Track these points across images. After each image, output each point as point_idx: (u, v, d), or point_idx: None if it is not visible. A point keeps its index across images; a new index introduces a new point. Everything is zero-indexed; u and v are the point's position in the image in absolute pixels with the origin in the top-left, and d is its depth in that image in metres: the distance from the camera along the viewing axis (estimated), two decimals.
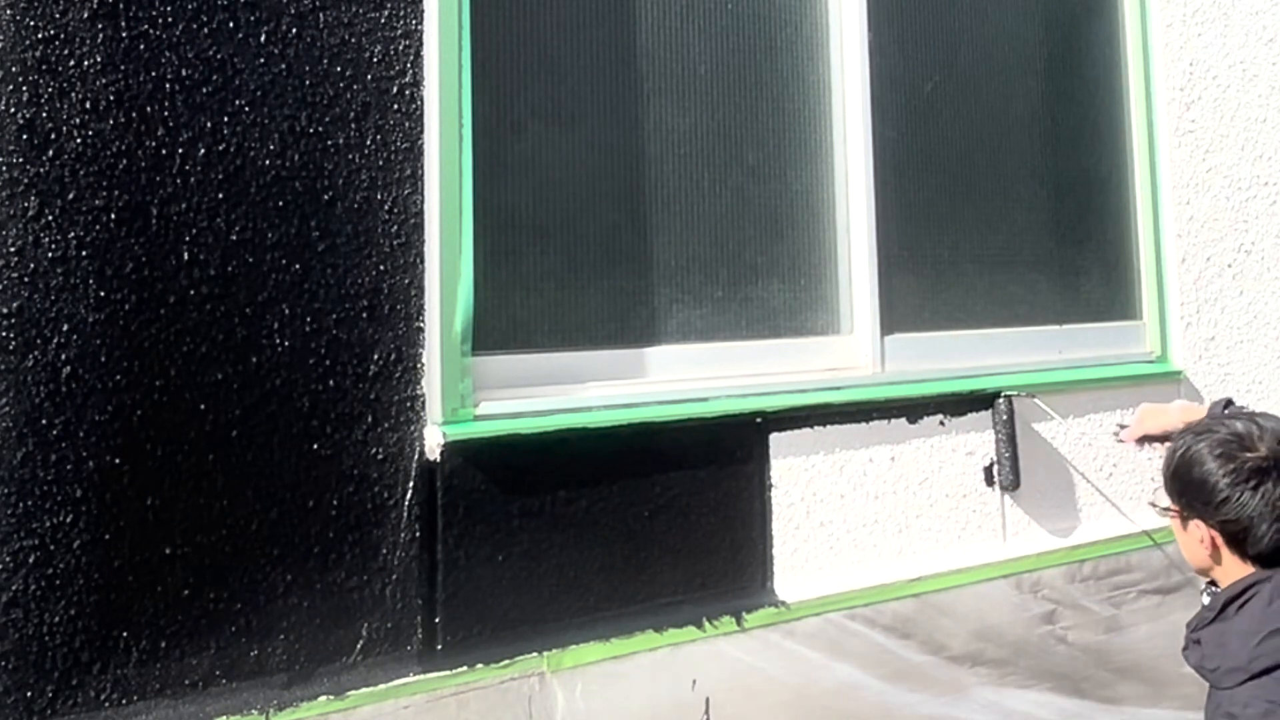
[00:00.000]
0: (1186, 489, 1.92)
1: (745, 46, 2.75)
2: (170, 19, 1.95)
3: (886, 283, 2.86)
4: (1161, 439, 2.52)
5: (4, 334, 1.79)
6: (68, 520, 1.82)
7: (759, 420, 2.53)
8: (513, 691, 2.17)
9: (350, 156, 2.11)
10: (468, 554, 2.16)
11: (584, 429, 2.29)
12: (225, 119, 1.99)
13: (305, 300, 2.05)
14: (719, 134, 2.69)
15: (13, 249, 1.80)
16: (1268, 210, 3.62)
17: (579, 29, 2.51)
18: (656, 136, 2.60)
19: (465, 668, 2.14)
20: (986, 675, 2.80)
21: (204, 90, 1.97)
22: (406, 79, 2.18)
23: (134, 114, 1.91)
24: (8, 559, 1.78)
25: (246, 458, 1.97)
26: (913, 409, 2.79)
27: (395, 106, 2.16)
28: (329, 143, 2.09)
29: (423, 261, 2.17)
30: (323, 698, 2.00)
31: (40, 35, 1.84)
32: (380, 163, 2.14)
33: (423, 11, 2.20)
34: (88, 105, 1.87)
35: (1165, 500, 1.99)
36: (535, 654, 2.21)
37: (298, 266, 2.04)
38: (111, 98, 1.89)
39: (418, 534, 2.12)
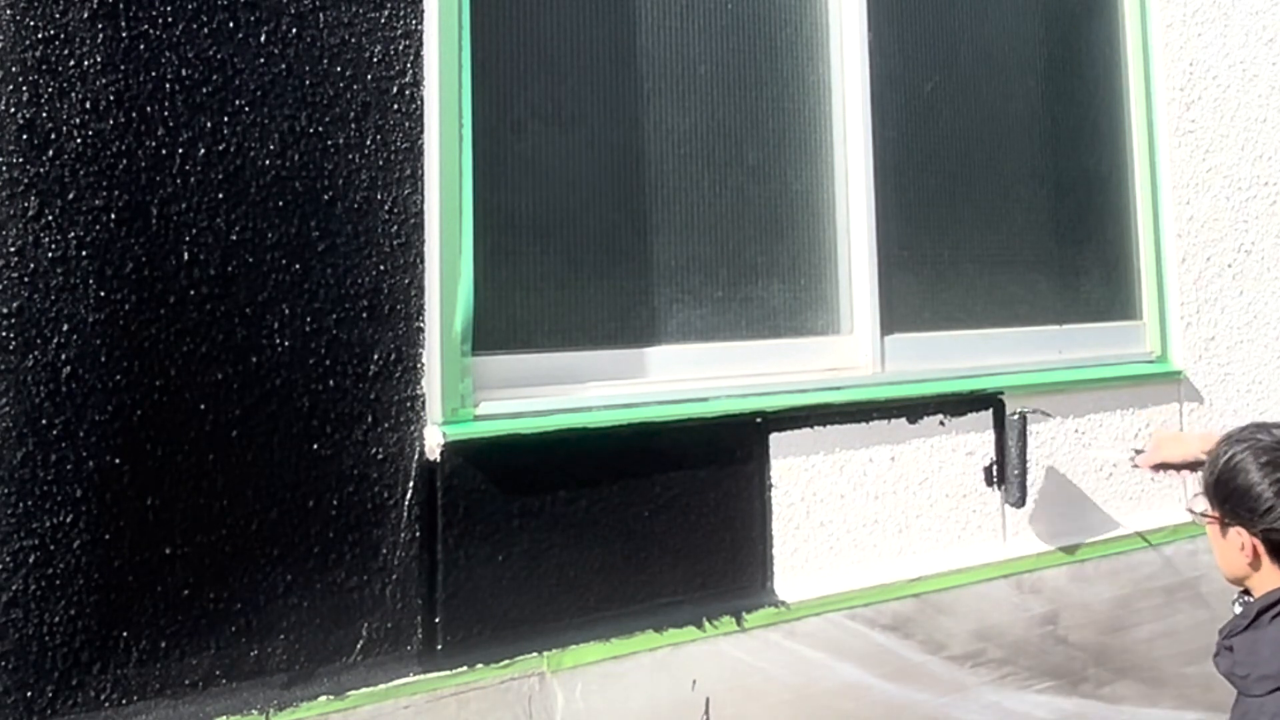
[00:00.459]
0: (1230, 496, 1.92)
1: (745, 46, 2.75)
2: (170, 19, 1.95)
3: (886, 283, 2.86)
4: (1179, 467, 2.54)
5: (4, 334, 1.79)
6: (68, 520, 1.82)
7: (759, 420, 2.53)
8: (513, 691, 2.17)
9: (350, 156, 2.11)
10: (468, 554, 2.16)
11: (584, 429, 2.29)
12: (225, 119, 1.99)
13: (305, 300, 2.05)
14: (719, 134, 2.69)
15: (13, 249, 1.80)
16: (1268, 210, 3.62)
17: (579, 29, 2.51)
18: (656, 136, 2.60)
19: (465, 668, 2.14)
20: (987, 675, 2.80)
21: (204, 90, 1.97)
22: (406, 79, 2.18)
23: (134, 114, 1.91)
24: (8, 559, 1.78)
25: (246, 458, 1.97)
26: (913, 409, 2.79)
27: (395, 106, 2.16)
28: (329, 143, 2.09)
29: (423, 261, 2.17)
30: (323, 698, 2.00)
31: (40, 35, 1.84)
32: (380, 163, 2.14)
33: (423, 11, 2.20)
34: (88, 105, 1.87)
35: (1203, 505, 1.99)
36: (535, 654, 2.21)
37: (298, 266, 2.04)
38: (111, 98, 1.89)
39: (418, 534, 2.12)
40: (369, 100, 2.13)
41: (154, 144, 1.92)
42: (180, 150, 1.95)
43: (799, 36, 2.84)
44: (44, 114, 1.83)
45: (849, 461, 2.68)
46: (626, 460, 2.35)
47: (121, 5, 1.91)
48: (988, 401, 2.91)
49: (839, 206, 2.84)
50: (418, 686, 2.08)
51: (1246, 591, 1.96)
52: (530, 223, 2.42)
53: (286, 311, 2.03)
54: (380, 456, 2.10)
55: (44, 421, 1.81)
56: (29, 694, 1.79)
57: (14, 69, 1.82)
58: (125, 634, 1.86)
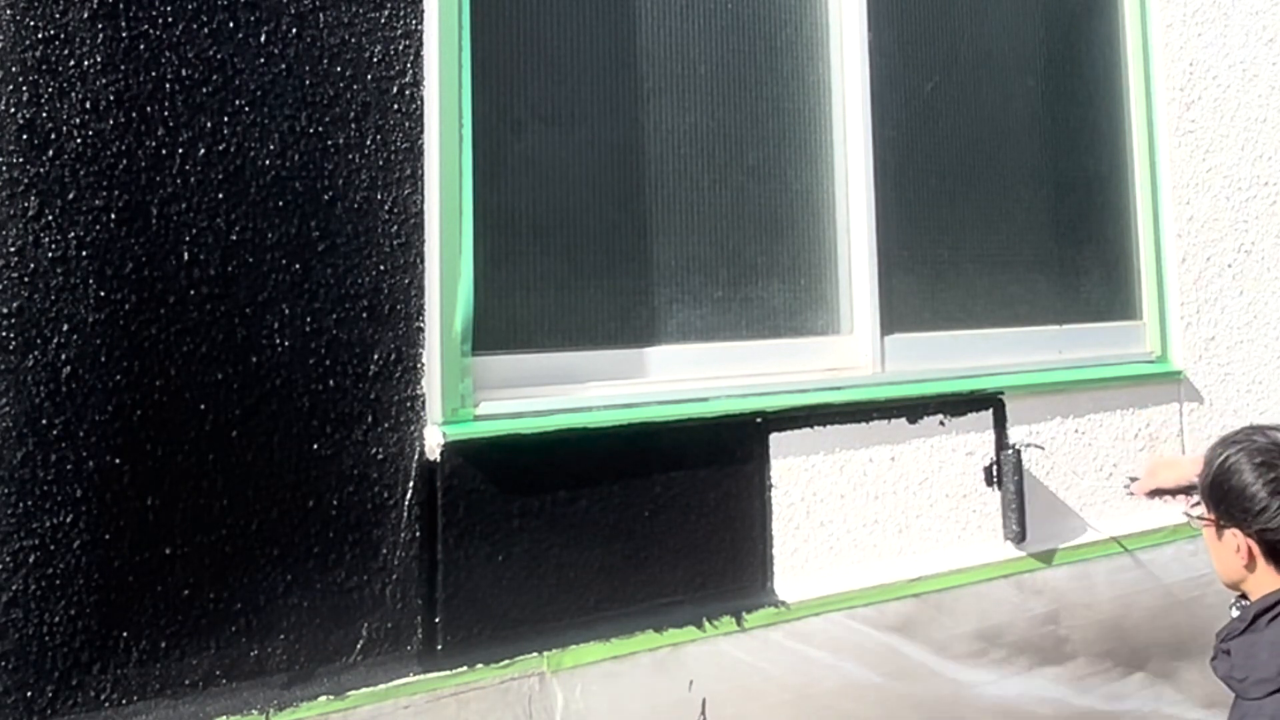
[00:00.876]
0: (1225, 498, 1.92)
1: (745, 46, 2.75)
2: (170, 19, 1.95)
3: (886, 283, 2.86)
4: (1175, 492, 2.55)
5: (4, 334, 1.79)
6: (68, 520, 1.82)
7: (759, 420, 2.53)
8: (513, 691, 2.17)
9: (350, 156, 2.11)
10: (468, 554, 2.16)
11: (584, 429, 2.29)
12: (225, 119, 1.99)
13: (305, 300, 2.05)
14: (719, 134, 2.69)
15: (13, 249, 1.80)
16: (1268, 210, 3.62)
17: (579, 29, 2.51)
18: (656, 136, 2.60)
19: (465, 668, 2.14)
20: (988, 675, 2.80)
21: (204, 90, 1.97)
22: (406, 79, 2.18)
23: (134, 114, 1.91)
24: (8, 559, 1.78)
25: (246, 458, 1.97)
26: (913, 409, 2.79)
27: (395, 106, 2.16)
28: (329, 143, 2.09)
29: (423, 261, 2.17)
30: (323, 698, 2.00)
31: (40, 35, 1.84)
32: (380, 163, 2.14)
33: (423, 11, 2.20)
34: (88, 105, 1.87)
35: (1201, 509, 1.99)
36: (535, 654, 2.21)
37: (298, 266, 2.04)
38: (111, 98, 1.89)
39: (418, 534, 2.12)
40: (369, 100, 2.13)
41: (154, 144, 1.92)
42: (180, 150, 1.95)
43: (799, 36, 2.84)
44: (44, 114, 1.83)
45: (849, 461, 2.68)
46: (626, 460, 2.35)
47: (121, 5, 1.91)
48: (988, 401, 2.91)
49: (839, 206, 2.84)
50: (418, 686, 2.08)
51: (1243, 595, 1.97)
52: (530, 223, 2.42)
53: (286, 311, 2.03)
54: (380, 456, 2.10)
55: (44, 421, 1.81)
56: (29, 694, 1.79)
57: (14, 69, 1.82)
58: (125, 634, 1.86)
